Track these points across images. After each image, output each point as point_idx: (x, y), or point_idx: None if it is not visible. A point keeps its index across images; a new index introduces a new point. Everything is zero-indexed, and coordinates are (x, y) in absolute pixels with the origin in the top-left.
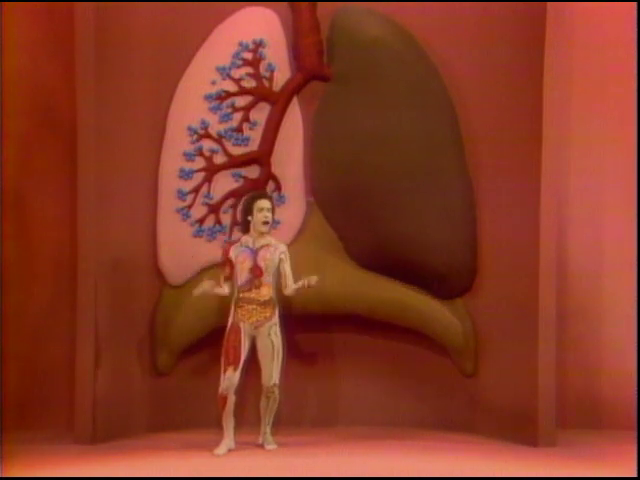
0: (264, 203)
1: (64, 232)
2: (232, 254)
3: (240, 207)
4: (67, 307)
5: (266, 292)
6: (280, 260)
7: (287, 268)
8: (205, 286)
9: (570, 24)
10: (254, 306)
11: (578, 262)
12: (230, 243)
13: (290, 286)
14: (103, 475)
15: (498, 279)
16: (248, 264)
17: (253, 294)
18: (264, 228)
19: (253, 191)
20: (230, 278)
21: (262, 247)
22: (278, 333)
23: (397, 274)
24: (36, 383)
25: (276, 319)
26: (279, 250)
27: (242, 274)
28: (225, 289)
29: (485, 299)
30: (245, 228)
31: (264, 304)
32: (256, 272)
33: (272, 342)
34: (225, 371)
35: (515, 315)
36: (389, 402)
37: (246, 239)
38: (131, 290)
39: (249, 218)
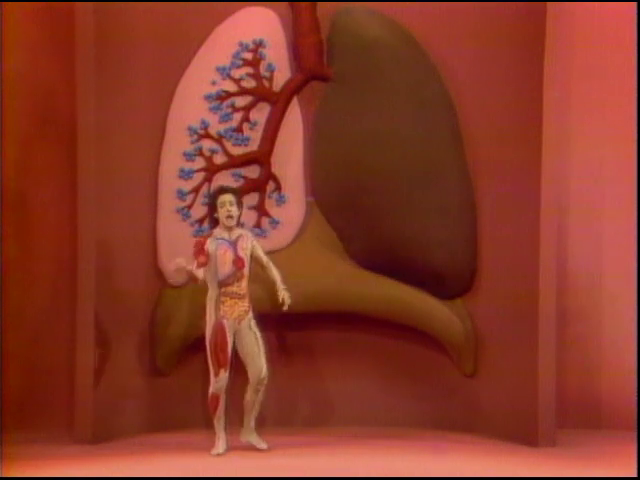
0: (225, 197)
1: (64, 232)
2: (209, 247)
3: (207, 203)
4: (67, 307)
5: (245, 284)
6: (253, 247)
7: (262, 252)
8: (179, 261)
9: (570, 24)
10: (235, 300)
11: (578, 262)
12: (205, 236)
13: (272, 270)
14: (103, 475)
15: (498, 279)
16: (230, 256)
17: (235, 287)
18: (228, 222)
19: (218, 186)
20: (204, 265)
21: (238, 238)
22: (255, 325)
23: (397, 274)
24: (36, 383)
25: (251, 312)
26: (249, 238)
27: (224, 267)
28: (200, 274)
29: (485, 299)
30: (215, 223)
31: (242, 297)
32: (239, 264)
33: (255, 333)
34: (217, 374)
35: (515, 315)
36: (389, 402)
37: (220, 232)
38: (131, 290)
39: (215, 215)
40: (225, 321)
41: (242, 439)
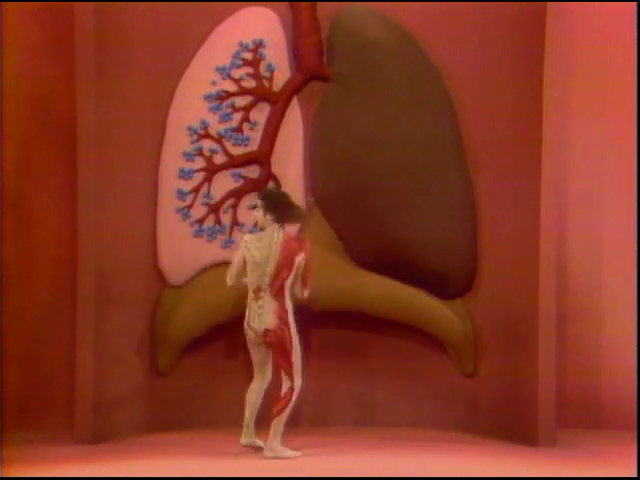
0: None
1: (64, 232)
2: None
3: (282, 201)
4: (67, 307)
5: None
6: None
7: None
8: None
9: (570, 24)
10: None
11: (578, 262)
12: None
13: None
14: (103, 475)
15: (498, 279)
16: None
17: None
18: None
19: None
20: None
21: None
22: None
23: (397, 274)
24: (36, 383)
25: None
26: None
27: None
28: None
29: (485, 299)
30: (282, 223)
31: None
32: None
33: None
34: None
35: (515, 315)
36: (388, 402)
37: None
38: (131, 290)
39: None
40: None
41: (252, 443)
